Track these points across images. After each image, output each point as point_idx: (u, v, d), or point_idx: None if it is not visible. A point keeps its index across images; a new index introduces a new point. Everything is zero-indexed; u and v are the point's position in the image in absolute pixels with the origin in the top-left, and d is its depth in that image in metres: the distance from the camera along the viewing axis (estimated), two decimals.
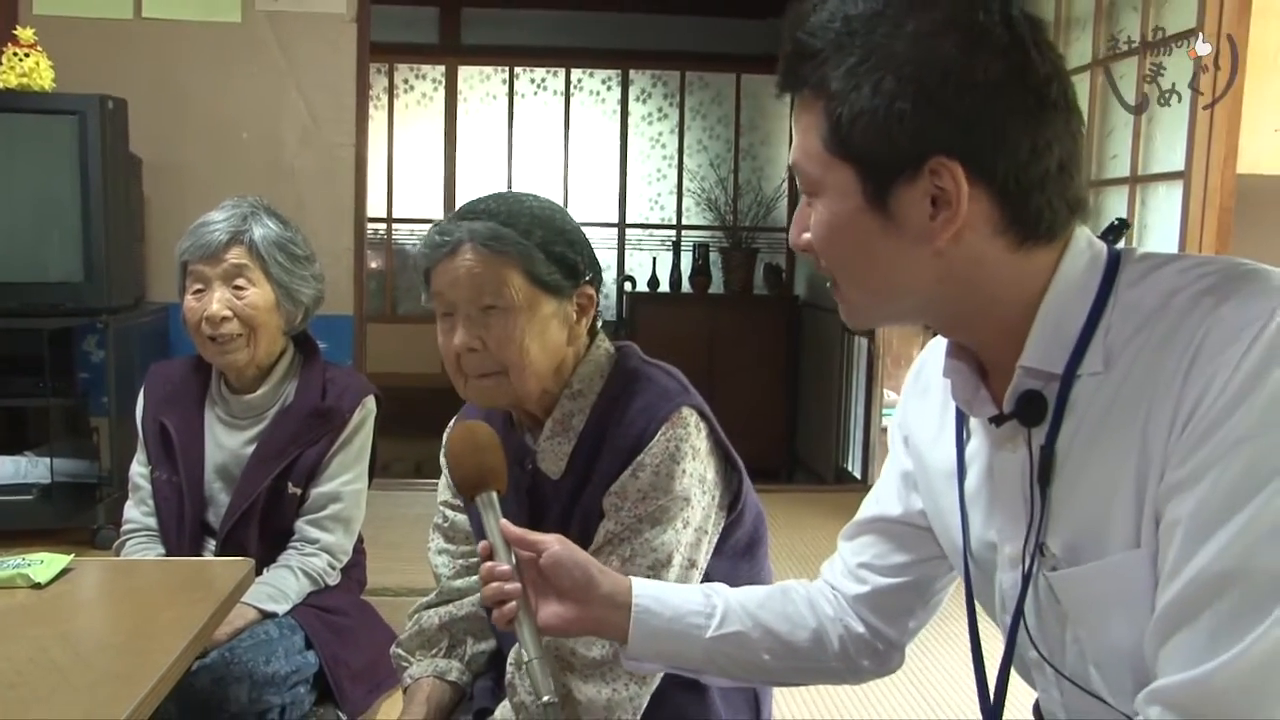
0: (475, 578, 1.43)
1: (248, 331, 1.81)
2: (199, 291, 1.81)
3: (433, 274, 1.25)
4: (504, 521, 1.06)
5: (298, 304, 1.85)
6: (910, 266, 0.82)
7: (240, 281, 1.80)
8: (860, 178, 0.81)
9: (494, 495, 1.08)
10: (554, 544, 1.05)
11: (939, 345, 1.00)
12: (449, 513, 1.46)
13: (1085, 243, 0.84)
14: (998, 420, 0.86)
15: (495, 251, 1.21)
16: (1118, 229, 0.89)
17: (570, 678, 1.20)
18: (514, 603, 1.02)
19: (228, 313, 1.79)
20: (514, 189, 6.35)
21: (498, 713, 1.26)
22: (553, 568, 1.03)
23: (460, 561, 1.46)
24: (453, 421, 1.46)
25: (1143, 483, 0.77)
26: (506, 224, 1.23)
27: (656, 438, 1.22)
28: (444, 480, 1.47)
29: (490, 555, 1.05)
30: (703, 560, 1.27)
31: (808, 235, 0.88)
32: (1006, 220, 0.80)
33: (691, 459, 1.23)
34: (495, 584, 1.03)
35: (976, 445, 0.94)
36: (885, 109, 0.78)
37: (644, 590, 1.06)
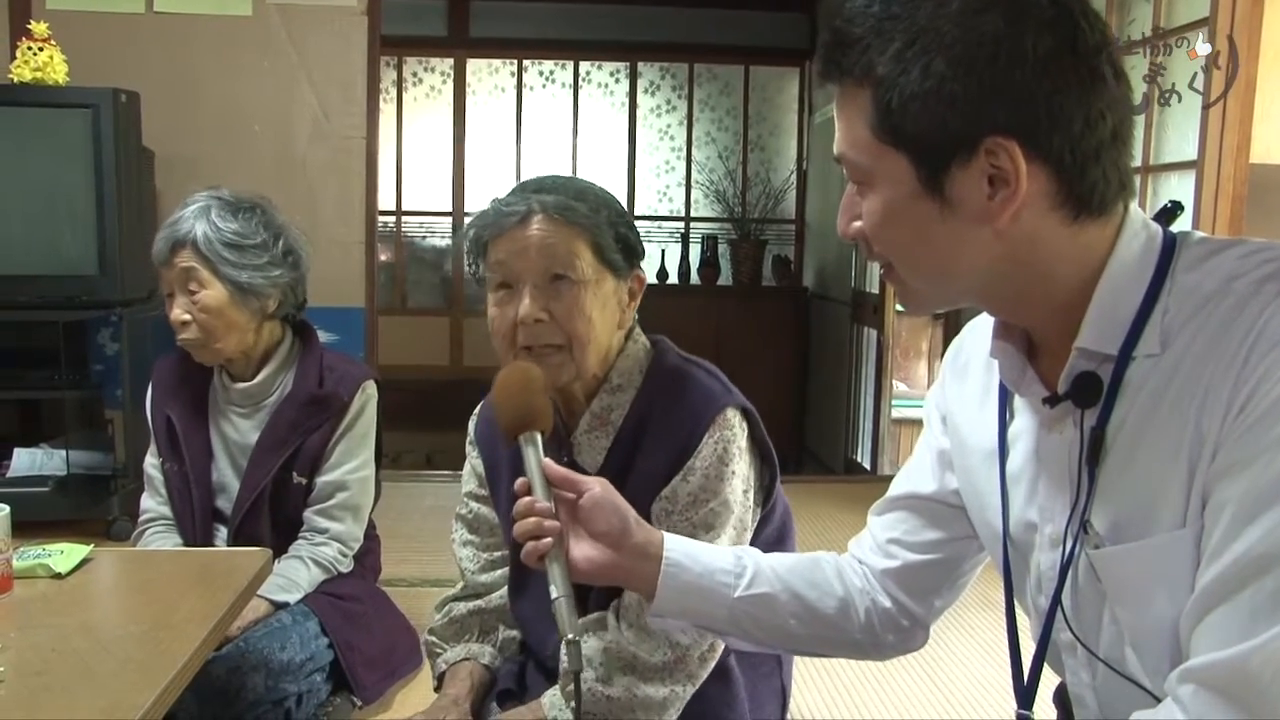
0: (500, 572, 1.44)
1: (205, 333, 1.80)
2: (169, 296, 1.83)
3: (494, 244, 1.24)
4: (547, 460, 1.05)
5: (259, 294, 1.82)
6: (969, 248, 0.82)
7: (192, 285, 1.80)
8: (914, 163, 0.80)
9: (537, 435, 1.07)
10: (595, 486, 1.04)
11: (980, 325, 1.00)
12: (473, 504, 1.46)
13: (1140, 224, 0.84)
14: (1052, 401, 0.86)
15: (568, 222, 1.22)
16: (1171, 211, 0.89)
17: (632, 677, 1.23)
18: (549, 539, 1.00)
19: (186, 317, 1.80)
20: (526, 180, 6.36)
21: (544, 699, 1.27)
22: (593, 509, 1.03)
23: (485, 555, 1.46)
24: (477, 410, 1.47)
25: (1194, 464, 0.77)
26: (576, 198, 1.24)
27: (704, 441, 1.23)
28: (468, 469, 1.47)
29: (527, 491, 1.03)
30: None
31: (858, 224, 0.86)
32: (1063, 195, 0.80)
33: (738, 459, 1.26)
34: (534, 519, 1.00)
35: (1021, 425, 0.94)
36: (936, 91, 0.77)
37: (675, 545, 1.06)
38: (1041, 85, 0.76)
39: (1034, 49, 0.76)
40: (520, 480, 1.05)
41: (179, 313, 1.80)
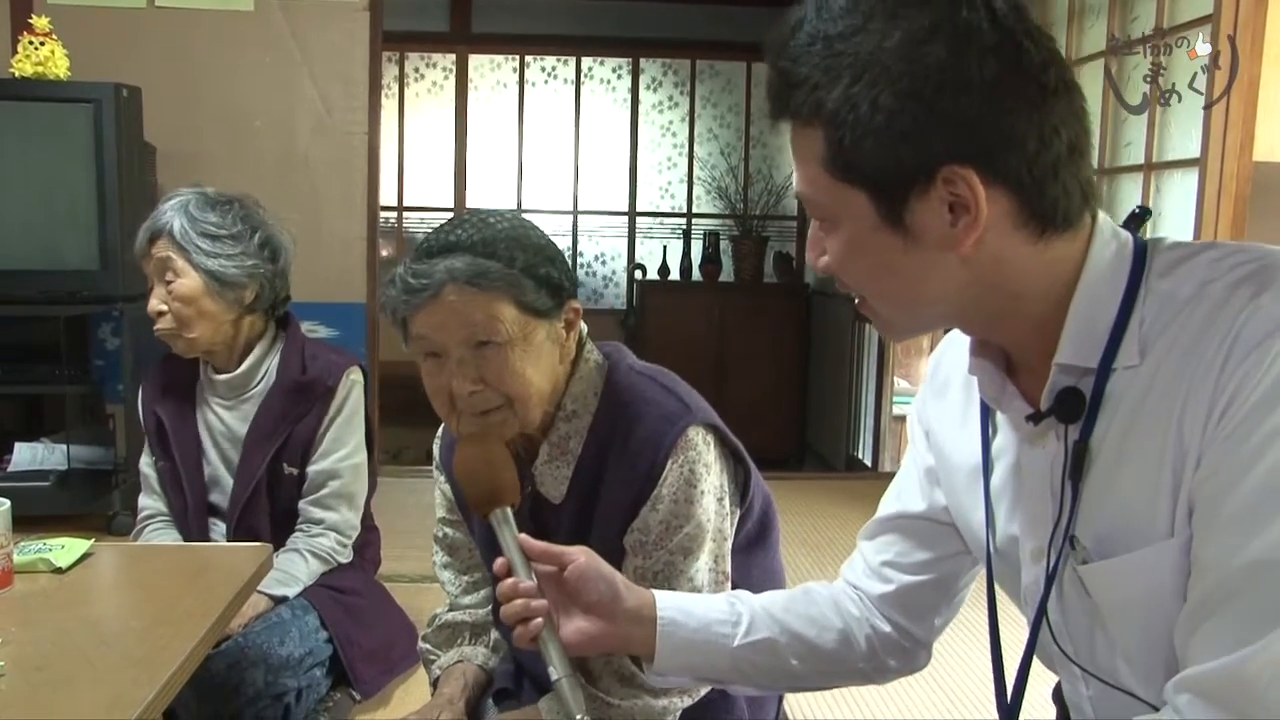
0: (483, 593, 1.43)
1: (180, 323, 1.81)
2: (151, 289, 1.84)
3: (412, 320, 1.17)
4: (524, 536, 1.03)
5: (234, 285, 1.82)
6: (936, 276, 0.81)
7: (169, 275, 1.80)
8: (872, 198, 0.79)
9: (508, 511, 1.05)
10: (580, 556, 1.02)
11: (956, 341, 0.99)
12: (447, 529, 1.45)
13: (1110, 233, 0.83)
14: (1035, 418, 0.85)
15: (482, 288, 1.15)
16: (1139, 217, 0.88)
17: (633, 688, 1.22)
18: (539, 620, 0.99)
19: (162, 307, 1.81)
20: (523, 182, 6.35)
21: (542, 703, 1.27)
22: (579, 580, 1.01)
23: (465, 578, 1.46)
24: (439, 433, 1.44)
25: (1178, 472, 0.77)
26: (486, 255, 1.16)
27: (668, 467, 1.20)
28: (439, 497, 1.45)
29: (508, 572, 1.01)
30: (728, 565, 1.27)
31: (826, 258, 0.86)
32: (1025, 214, 0.79)
33: (706, 477, 1.23)
34: (520, 601, 0.99)
35: (1003, 441, 0.93)
36: (887, 126, 0.76)
37: (668, 603, 1.04)
38: (991, 109, 0.76)
39: (979, 74, 0.75)
40: (499, 561, 1.02)
41: (155, 303, 1.81)
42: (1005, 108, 0.76)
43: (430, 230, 1.24)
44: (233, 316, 1.85)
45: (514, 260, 1.17)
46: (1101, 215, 0.84)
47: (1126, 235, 0.84)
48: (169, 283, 1.80)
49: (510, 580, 1.01)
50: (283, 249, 1.89)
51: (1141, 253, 0.83)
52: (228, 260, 1.81)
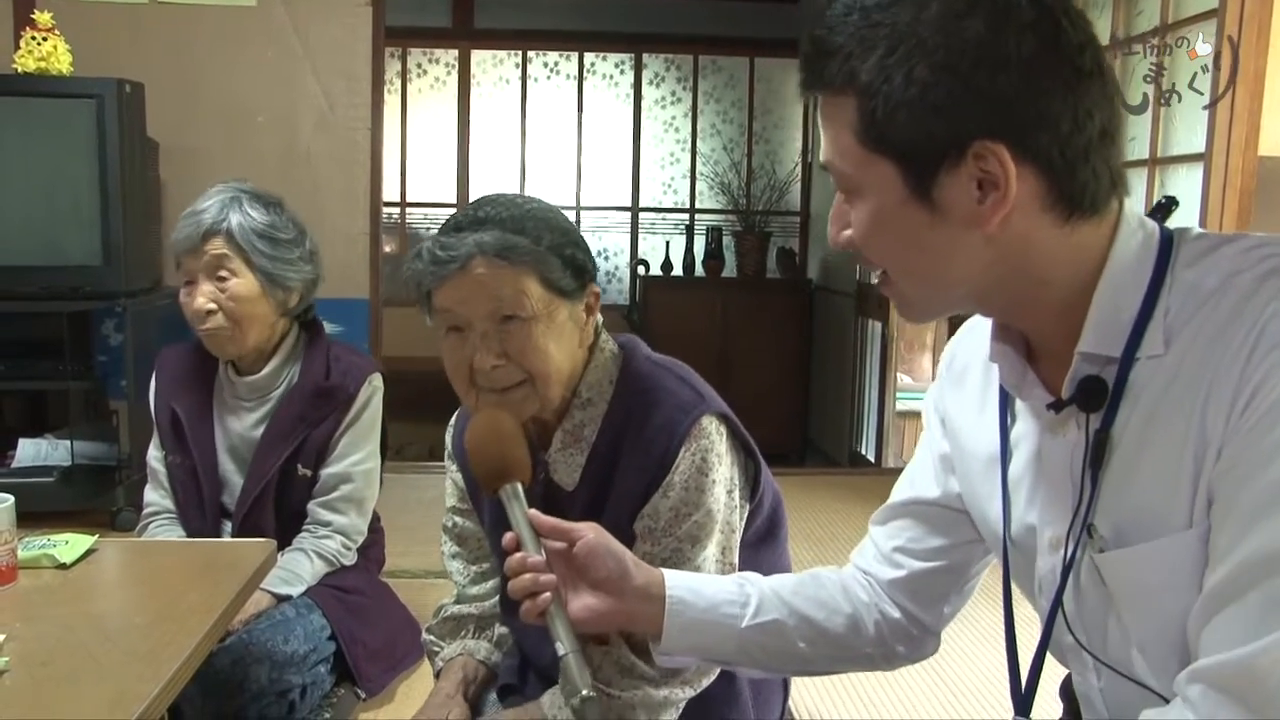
0: (491, 584, 1.43)
1: (233, 323, 1.79)
2: (189, 284, 1.81)
3: (438, 292, 1.18)
4: (533, 511, 1.03)
5: (286, 289, 1.83)
6: (962, 254, 0.81)
7: (223, 273, 1.78)
8: (901, 170, 0.79)
9: (519, 486, 1.05)
10: (588, 532, 1.02)
11: (976, 328, 0.99)
12: (457, 518, 1.45)
13: (1137, 222, 0.83)
14: (1056, 406, 0.85)
15: (510, 262, 1.16)
16: (1166, 207, 0.88)
17: (633, 679, 1.22)
18: (547, 594, 0.99)
19: (213, 306, 1.78)
20: (526, 177, 6.34)
21: (544, 698, 1.27)
22: (588, 556, 1.01)
23: (474, 568, 1.46)
24: (452, 421, 1.44)
25: (1199, 463, 0.77)
26: (515, 231, 1.17)
27: (681, 454, 1.20)
28: (449, 485, 1.45)
29: (517, 546, 1.02)
30: (736, 557, 1.28)
31: (848, 233, 0.85)
32: (1054, 196, 0.79)
33: (718, 467, 1.23)
34: (528, 575, 0.99)
35: (1022, 429, 0.93)
36: (920, 98, 0.76)
37: (677, 581, 1.04)
38: (1027, 87, 0.75)
39: (1017, 51, 0.75)
40: (508, 536, 1.02)
41: (204, 301, 1.78)
42: (1041, 87, 0.76)
43: (448, 216, 1.24)
44: (274, 319, 1.85)
45: (541, 238, 1.19)
46: (1128, 203, 0.84)
47: (1153, 225, 0.84)
48: (222, 280, 1.78)
49: (519, 554, 1.01)
50: (319, 254, 1.91)
51: (1168, 242, 0.82)
52: (285, 264, 1.81)
